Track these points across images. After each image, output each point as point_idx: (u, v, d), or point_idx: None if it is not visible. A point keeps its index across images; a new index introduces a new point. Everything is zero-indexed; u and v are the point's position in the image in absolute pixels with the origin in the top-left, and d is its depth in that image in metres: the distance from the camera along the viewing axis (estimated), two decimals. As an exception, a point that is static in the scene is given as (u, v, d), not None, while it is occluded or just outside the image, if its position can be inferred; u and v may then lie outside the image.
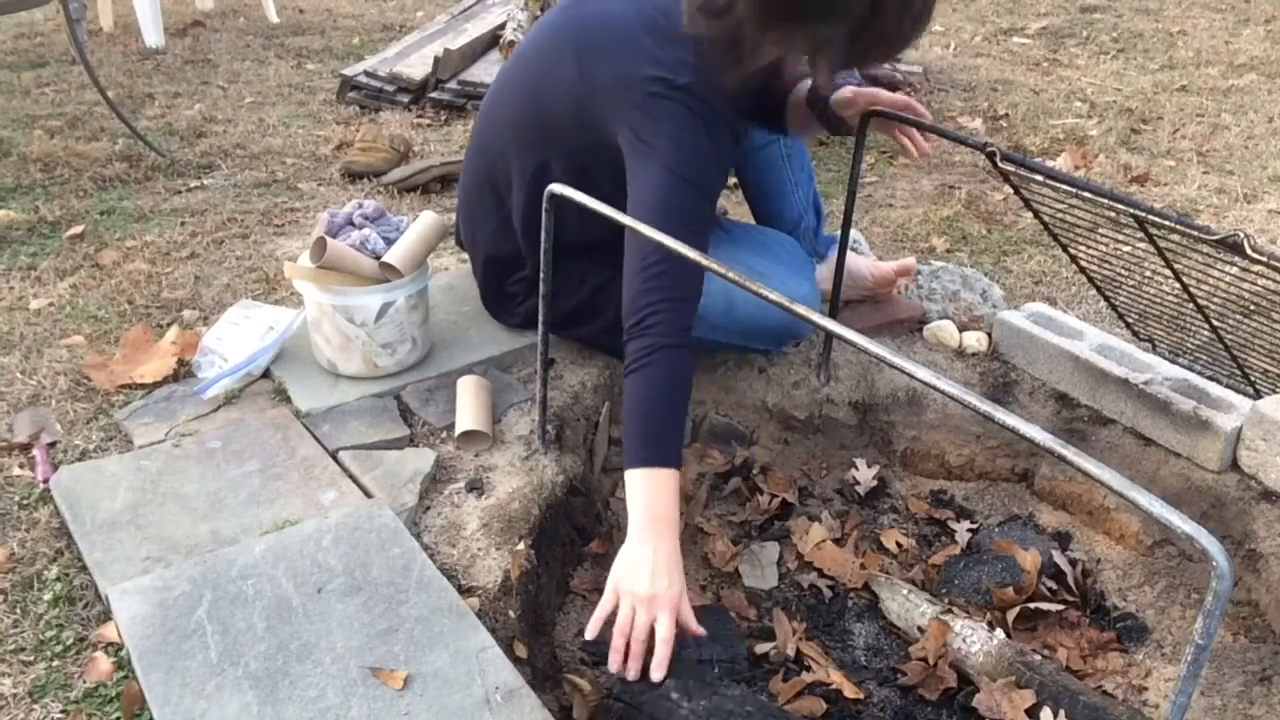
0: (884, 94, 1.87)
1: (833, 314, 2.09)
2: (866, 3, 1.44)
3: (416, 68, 3.84)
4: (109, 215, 2.76)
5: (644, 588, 1.43)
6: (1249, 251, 1.56)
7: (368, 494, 1.67)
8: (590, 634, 1.46)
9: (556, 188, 1.52)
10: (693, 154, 1.61)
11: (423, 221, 1.95)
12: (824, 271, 2.16)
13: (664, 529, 1.47)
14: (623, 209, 1.49)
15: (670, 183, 1.59)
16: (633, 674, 1.42)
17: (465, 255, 2.24)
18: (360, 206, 1.99)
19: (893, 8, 1.46)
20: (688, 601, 1.47)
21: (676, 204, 1.59)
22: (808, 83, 1.94)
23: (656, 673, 1.40)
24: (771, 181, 2.20)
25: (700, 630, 1.47)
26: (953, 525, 1.99)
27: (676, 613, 1.44)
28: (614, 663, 1.43)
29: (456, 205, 2.20)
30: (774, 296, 1.25)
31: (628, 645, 1.42)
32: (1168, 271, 1.96)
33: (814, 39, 1.52)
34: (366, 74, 3.83)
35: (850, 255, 2.24)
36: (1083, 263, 2.18)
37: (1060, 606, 1.78)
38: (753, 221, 2.26)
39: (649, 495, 1.49)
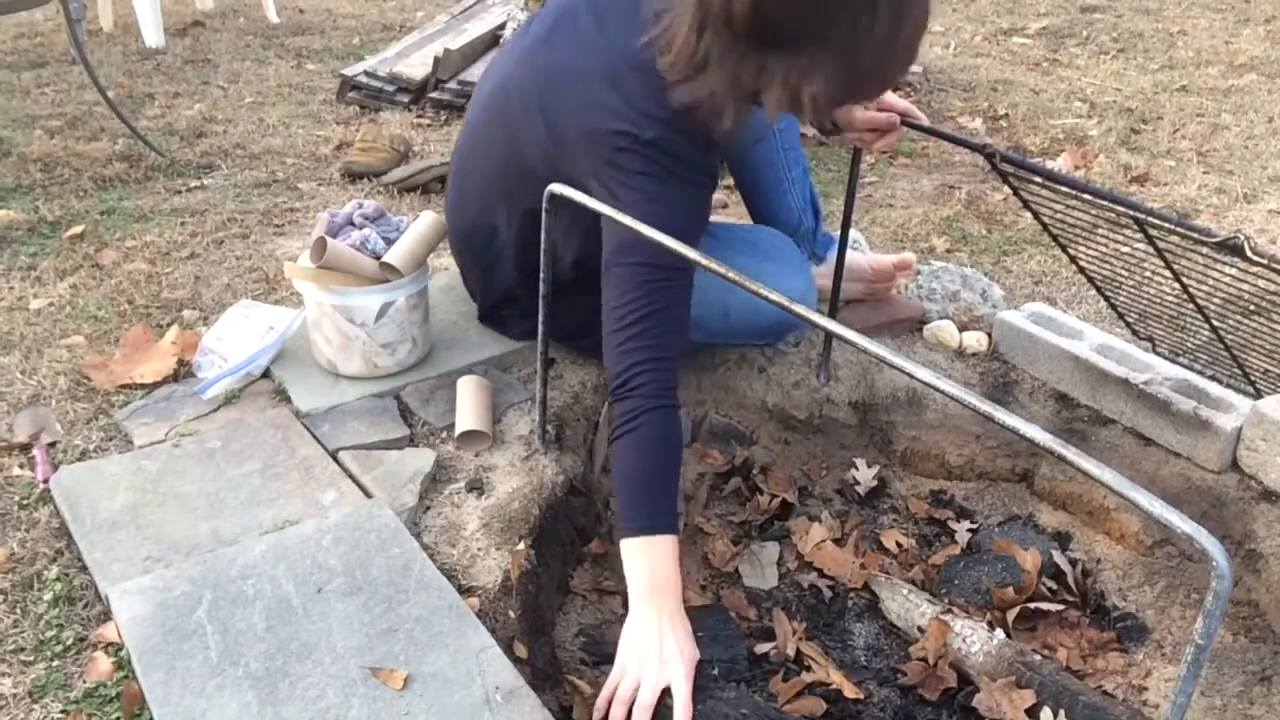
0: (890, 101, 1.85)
1: (832, 314, 2.09)
2: (855, 20, 1.33)
3: (416, 68, 3.84)
4: (109, 215, 2.76)
5: (654, 658, 1.37)
6: (1249, 254, 1.56)
7: (368, 494, 1.67)
8: (598, 713, 1.37)
9: (556, 188, 1.52)
10: (664, 206, 1.52)
11: (423, 221, 1.95)
12: (824, 271, 2.16)
13: (668, 598, 1.42)
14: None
15: (646, 241, 1.48)
16: None
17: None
18: (360, 206, 1.99)
19: (883, 27, 1.35)
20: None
21: (658, 260, 1.51)
22: None
23: None
24: (768, 180, 2.20)
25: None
26: (953, 525, 1.99)
27: (692, 675, 1.37)
28: None
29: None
30: (774, 297, 1.25)
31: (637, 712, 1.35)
32: (1168, 272, 1.96)
33: (796, 69, 1.36)
34: (366, 74, 3.83)
35: (850, 253, 2.24)
36: (1082, 263, 2.18)
37: (1060, 606, 1.78)
38: (749, 221, 2.26)
39: (650, 564, 1.44)
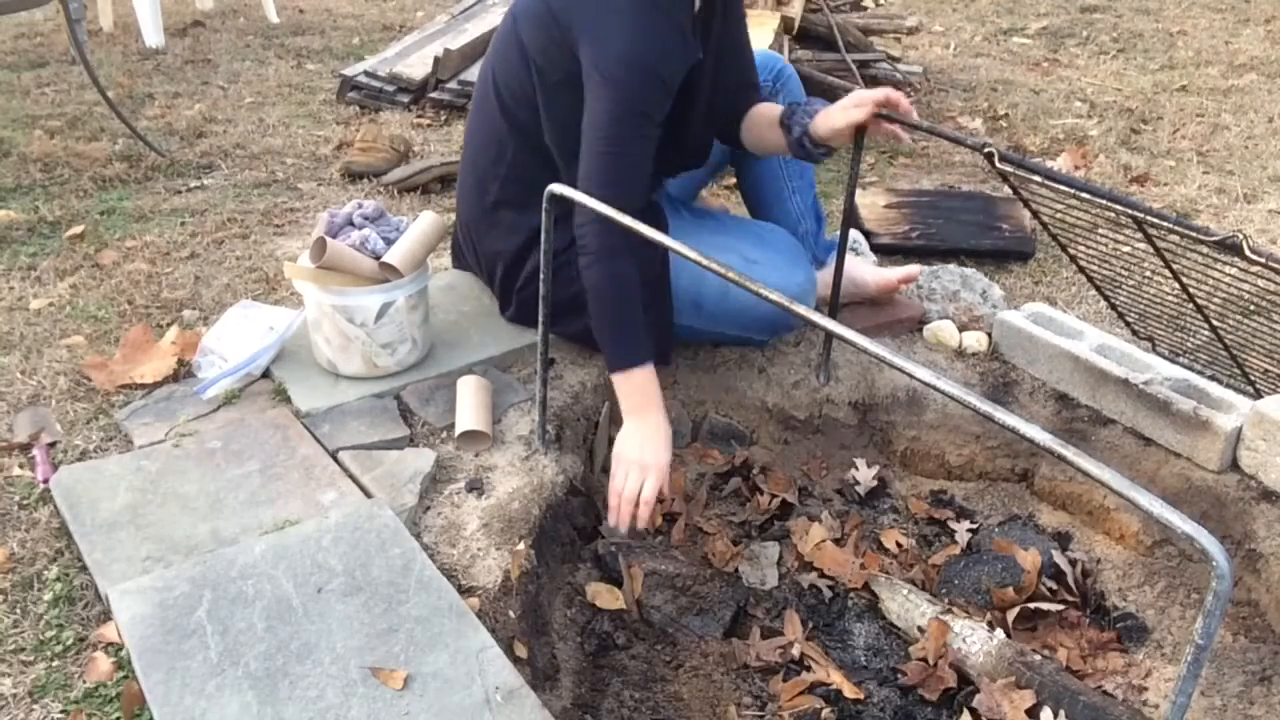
0: (865, 95, 1.84)
1: (832, 314, 2.09)
2: None
3: (416, 68, 3.84)
4: (109, 215, 2.76)
5: (634, 455, 1.71)
6: (1248, 253, 1.56)
7: (368, 494, 1.67)
8: (611, 511, 1.73)
9: (556, 188, 1.53)
10: (639, 74, 1.72)
11: (423, 221, 1.95)
12: (825, 277, 2.15)
13: (649, 411, 1.73)
14: None
15: (617, 110, 1.72)
16: (623, 528, 1.71)
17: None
18: (360, 206, 1.99)
19: None
20: (669, 471, 1.73)
21: (619, 132, 1.73)
22: (779, 107, 1.94)
23: (640, 525, 1.71)
24: (769, 188, 2.21)
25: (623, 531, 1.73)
26: (953, 525, 1.99)
27: (662, 478, 1.70)
28: (610, 519, 1.73)
29: (455, 216, 2.21)
30: (773, 296, 1.25)
31: (622, 504, 1.70)
32: (1167, 271, 1.96)
33: None
34: (366, 74, 3.83)
35: (854, 261, 2.24)
36: (1082, 263, 2.18)
37: (1060, 606, 1.78)
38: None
39: (630, 388, 1.73)
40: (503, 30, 1.94)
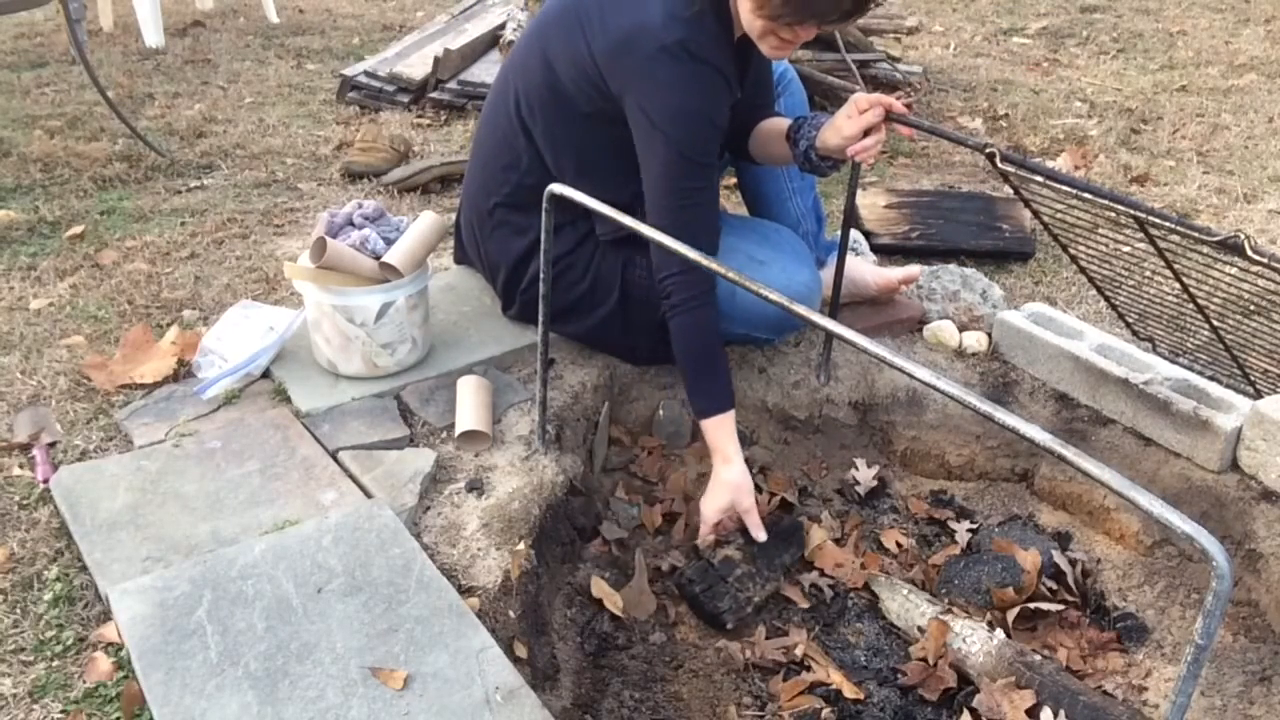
0: (867, 98, 1.84)
1: (833, 314, 2.09)
2: None
3: (416, 68, 3.84)
4: (109, 215, 2.76)
5: (723, 500, 1.81)
6: (1249, 253, 1.56)
7: (368, 494, 1.67)
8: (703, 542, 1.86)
9: (556, 188, 1.53)
10: (691, 123, 1.75)
11: (423, 221, 1.95)
12: (825, 277, 2.15)
13: (728, 457, 1.81)
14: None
15: (675, 162, 1.75)
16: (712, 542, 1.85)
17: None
18: (360, 206, 1.99)
19: None
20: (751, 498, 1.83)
21: (683, 185, 1.77)
22: (785, 120, 1.93)
23: (759, 533, 1.83)
24: (770, 188, 2.20)
25: (763, 537, 1.84)
26: (953, 525, 1.99)
27: (749, 508, 1.82)
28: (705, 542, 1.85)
29: (458, 216, 2.21)
30: (774, 297, 1.25)
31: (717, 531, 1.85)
32: (1168, 271, 1.96)
33: None
34: (366, 74, 3.83)
35: (855, 262, 2.24)
36: (1083, 263, 2.18)
37: (1060, 606, 1.78)
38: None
39: (711, 437, 1.82)
40: (528, 46, 1.92)
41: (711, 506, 1.83)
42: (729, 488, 1.81)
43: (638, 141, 1.78)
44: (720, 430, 1.82)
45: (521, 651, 1.47)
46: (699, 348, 1.82)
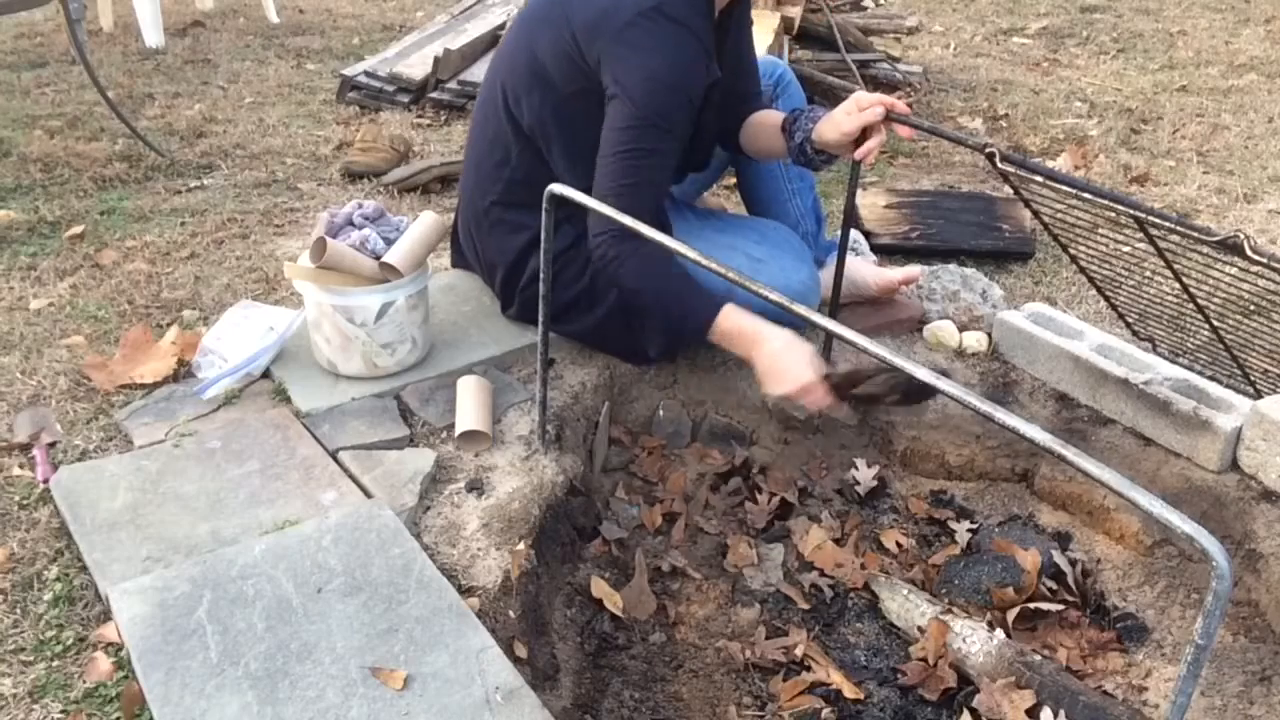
0: (868, 97, 1.84)
1: (833, 314, 2.09)
2: None
3: (416, 68, 3.84)
4: (109, 215, 2.76)
5: (777, 390, 1.67)
6: (1249, 252, 1.56)
7: (368, 494, 1.67)
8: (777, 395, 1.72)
9: (556, 188, 1.53)
10: (660, 87, 1.72)
11: (423, 221, 1.95)
12: (825, 277, 2.16)
13: (759, 343, 1.69)
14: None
15: (634, 124, 1.72)
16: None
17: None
18: (360, 206, 1.99)
19: None
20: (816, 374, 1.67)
21: (638, 146, 1.73)
22: (779, 113, 1.94)
23: (842, 413, 1.91)
24: (769, 188, 2.21)
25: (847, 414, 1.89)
26: (953, 525, 1.99)
27: (812, 390, 1.64)
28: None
29: (455, 221, 2.21)
30: (773, 296, 1.25)
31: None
32: (1168, 271, 1.96)
33: None
34: (366, 74, 3.83)
35: (855, 262, 2.24)
36: (1083, 263, 2.18)
37: (1060, 606, 1.78)
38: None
39: (729, 337, 1.73)
40: (513, 37, 1.94)
41: (777, 394, 1.68)
42: (778, 367, 1.66)
43: (609, 111, 1.75)
44: (730, 320, 1.71)
45: (521, 651, 1.47)
46: (662, 274, 1.76)
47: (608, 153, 1.75)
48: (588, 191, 1.62)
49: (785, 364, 1.65)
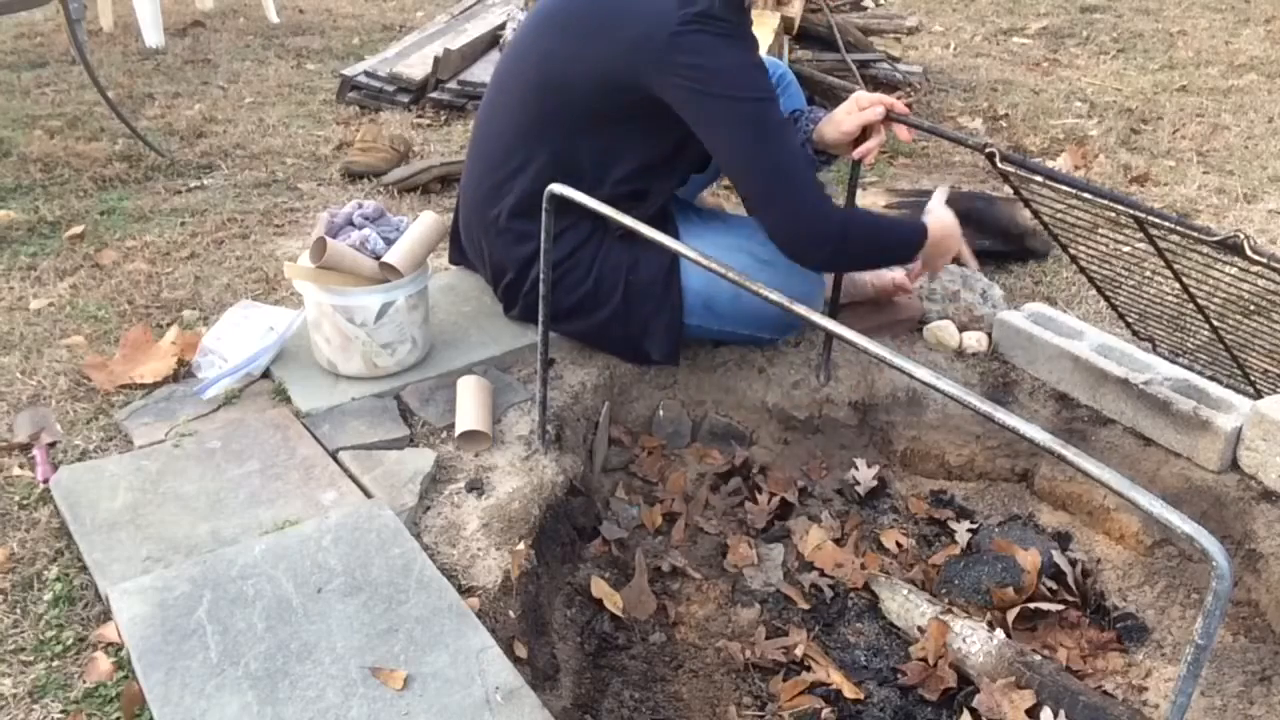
0: (869, 97, 1.85)
1: (832, 314, 2.09)
2: None
3: (416, 68, 3.84)
4: (109, 215, 2.76)
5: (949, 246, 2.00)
6: (1249, 252, 1.56)
7: (368, 494, 1.67)
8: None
9: (556, 188, 1.53)
10: (743, 70, 1.73)
11: (423, 221, 1.95)
12: (825, 277, 2.15)
13: (940, 214, 1.97)
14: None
15: (749, 111, 1.72)
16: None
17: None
18: (360, 206, 1.99)
19: None
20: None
21: (768, 129, 1.74)
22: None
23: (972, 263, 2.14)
24: None
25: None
26: (953, 525, 1.99)
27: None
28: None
29: (455, 218, 2.21)
30: (774, 297, 1.25)
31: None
32: (1168, 271, 1.96)
33: None
34: (366, 74, 3.83)
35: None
36: (1083, 263, 2.18)
37: (1060, 606, 1.78)
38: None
39: (934, 237, 1.96)
40: (536, 50, 1.90)
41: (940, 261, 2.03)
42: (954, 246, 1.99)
43: (696, 121, 1.74)
44: (935, 228, 1.95)
45: (521, 651, 1.47)
46: (870, 225, 1.96)
47: (750, 148, 1.74)
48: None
49: (956, 239, 1.99)
